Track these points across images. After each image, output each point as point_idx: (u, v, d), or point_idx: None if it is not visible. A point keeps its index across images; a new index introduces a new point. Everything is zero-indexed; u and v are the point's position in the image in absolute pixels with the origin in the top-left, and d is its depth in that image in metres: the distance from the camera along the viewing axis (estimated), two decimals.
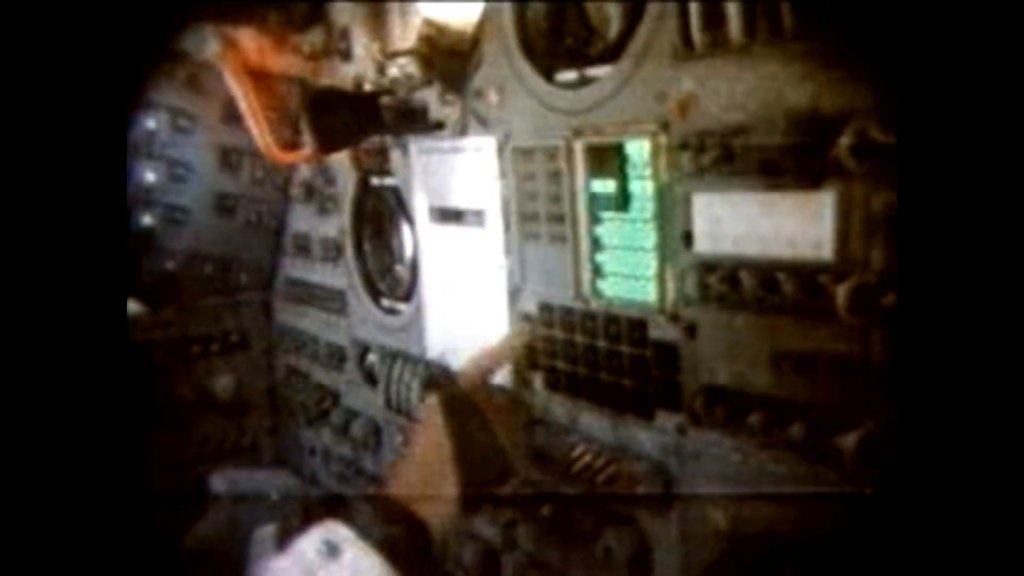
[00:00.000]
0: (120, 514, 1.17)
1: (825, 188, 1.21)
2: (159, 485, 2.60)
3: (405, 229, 2.39)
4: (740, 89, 1.33)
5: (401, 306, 2.44)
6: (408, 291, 2.40)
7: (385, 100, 2.12)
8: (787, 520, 1.34)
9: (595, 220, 1.66)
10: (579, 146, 1.65)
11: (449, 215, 2.12)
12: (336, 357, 2.81)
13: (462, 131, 1.99)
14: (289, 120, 2.35)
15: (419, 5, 1.95)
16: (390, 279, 2.53)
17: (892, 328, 1.16)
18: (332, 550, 1.46)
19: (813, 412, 1.28)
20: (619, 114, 1.56)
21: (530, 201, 1.81)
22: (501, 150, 1.87)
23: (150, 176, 2.84)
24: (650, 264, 1.55)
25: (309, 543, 1.49)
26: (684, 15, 1.40)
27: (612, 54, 1.57)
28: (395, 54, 2.08)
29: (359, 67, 2.30)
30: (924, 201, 0.95)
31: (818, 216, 1.23)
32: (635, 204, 1.56)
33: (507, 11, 1.80)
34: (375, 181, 2.48)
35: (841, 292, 1.19)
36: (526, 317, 1.87)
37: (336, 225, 2.67)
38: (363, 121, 2.10)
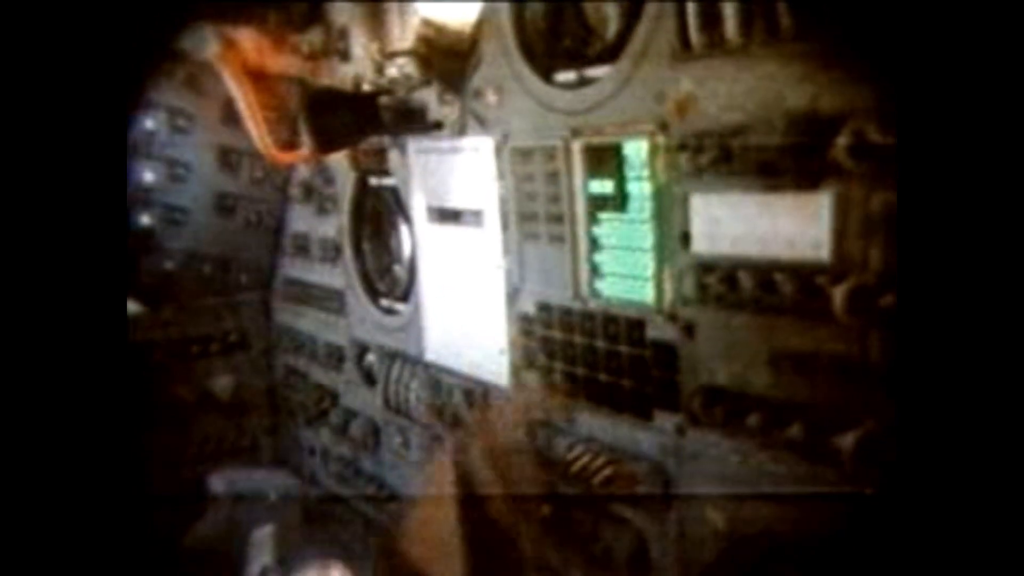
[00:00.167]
0: (119, 514, 1.17)
1: (823, 189, 1.22)
2: (158, 485, 2.60)
3: (403, 229, 2.39)
4: (738, 90, 1.33)
5: (399, 306, 2.44)
6: (406, 291, 2.40)
7: (384, 100, 2.12)
8: (785, 520, 1.34)
9: (593, 220, 1.66)
10: (577, 146, 1.65)
11: (447, 215, 2.12)
12: (335, 357, 2.81)
13: (461, 131, 1.99)
14: (288, 120, 2.35)
15: (417, 5, 1.95)
16: (388, 279, 2.53)
17: (890, 328, 1.16)
18: None
19: (811, 412, 1.28)
20: (617, 114, 1.56)
21: (528, 201, 1.81)
22: (499, 150, 1.87)
23: (149, 176, 2.84)
24: (648, 264, 1.55)
25: None
26: (682, 16, 1.41)
27: (610, 55, 1.57)
28: (394, 54, 2.08)
29: (358, 67, 2.30)
30: (923, 202, 0.95)
31: (816, 217, 1.23)
32: (633, 204, 1.56)
33: (505, 11, 1.80)
34: (374, 181, 2.48)
35: (839, 293, 1.19)
36: (525, 318, 1.88)
37: (335, 225, 2.67)
38: (362, 121, 2.10)
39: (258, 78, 2.28)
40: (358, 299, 2.61)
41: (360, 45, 2.27)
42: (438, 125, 2.05)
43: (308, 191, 2.79)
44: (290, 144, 2.33)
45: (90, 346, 1.14)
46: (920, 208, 0.95)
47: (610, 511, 1.66)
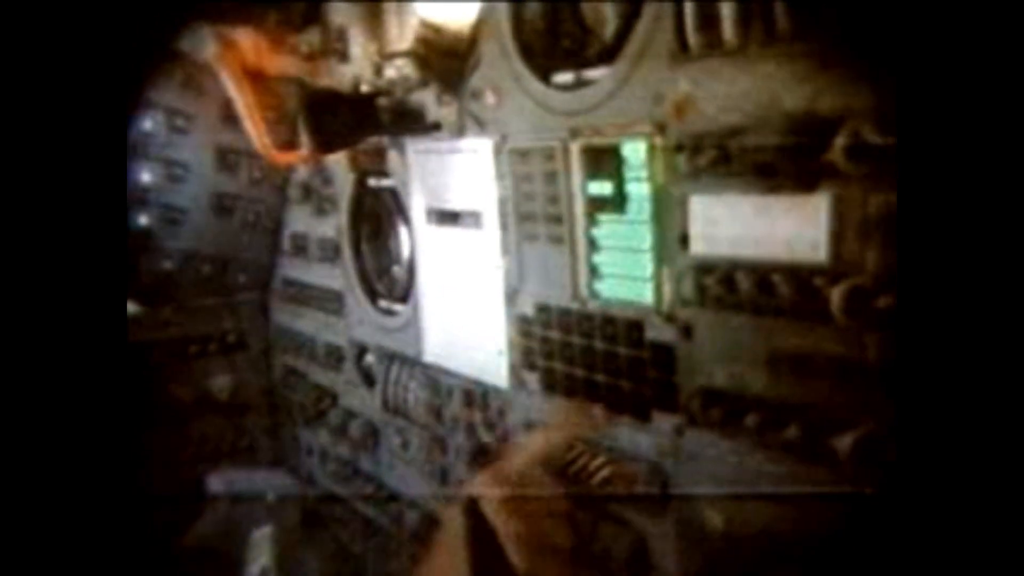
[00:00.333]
0: (118, 514, 1.17)
1: (820, 190, 1.22)
2: (157, 485, 2.61)
3: (402, 230, 2.39)
4: (736, 91, 1.33)
5: (398, 307, 2.45)
6: (405, 292, 2.40)
7: (382, 101, 2.12)
8: (783, 521, 1.35)
9: (592, 221, 1.66)
10: (576, 147, 1.66)
11: (446, 216, 2.12)
12: (334, 358, 2.81)
13: (459, 132, 1.99)
14: (287, 121, 2.35)
15: (416, 6, 1.95)
16: (387, 280, 2.53)
17: (887, 330, 1.16)
18: None
19: (809, 413, 1.28)
20: (616, 116, 1.56)
21: (527, 202, 1.81)
22: (498, 151, 1.87)
23: (147, 176, 2.84)
24: (646, 265, 1.55)
25: None
26: (679, 17, 1.41)
27: (608, 55, 1.58)
28: (392, 55, 2.08)
29: (357, 68, 2.30)
30: (923, 202, 0.95)
31: (813, 218, 1.23)
32: (632, 205, 1.56)
33: (503, 12, 1.80)
34: (372, 182, 2.49)
35: (836, 294, 1.19)
36: (524, 319, 1.88)
37: (334, 226, 2.67)
38: (360, 122, 2.10)
39: (257, 79, 2.29)
40: (357, 300, 2.62)
41: (358, 46, 2.27)
42: (436, 126, 2.05)
43: (307, 192, 2.79)
44: (289, 145, 2.33)
45: (89, 346, 1.14)
46: (919, 209, 0.95)
47: (609, 512, 1.66)
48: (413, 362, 2.37)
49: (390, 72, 2.08)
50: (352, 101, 2.18)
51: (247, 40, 2.31)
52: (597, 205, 1.64)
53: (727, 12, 1.33)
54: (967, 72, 0.92)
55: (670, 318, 1.51)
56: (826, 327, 1.23)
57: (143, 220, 2.89)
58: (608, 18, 1.60)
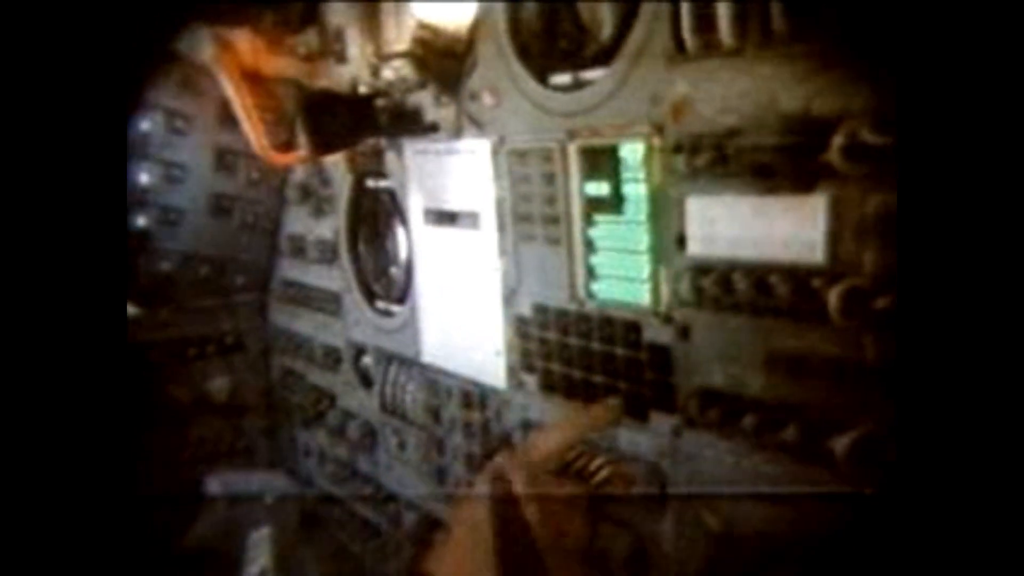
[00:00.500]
0: (117, 515, 1.17)
1: (818, 191, 1.22)
2: (155, 486, 2.60)
3: (400, 231, 2.40)
4: (733, 92, 1.33)
5: (396, 308, 2.45)
6: (403, 293, 2.40)
7: (380, 102, 2.12)
8: (781, 521, 1.35)
9: (589, 222, 1.66)
10: (573, 148, 1.66)
11: (444, 217, 2.12)
12: (332, 359, 2.81)
13: (457, 133, 1.99)
14: (285, 122, 2.36)
15: (413, 7, 1.96)
16: (385, 281, 2.53)
17: (885, 330, 1.17)
18: None
19: (807, 414, 1.28)
20: (613, 116, 1.56)
21: (525, 203, 1.81)
22: (496, 152, 1.88)
23: (145, 177, 2.84)
24: (644, 266, 1.55)
25: None
26: (676, 18, 1.41)
27: (606, 56, 1.58)
28: (390, 56, 2.08)
29: (354, 69, 2.30)
30: (922, 203, 0.95)
31: (811, 219, 1.23)
32: (629, 206, 1.56)
33: (501, 14, 1.80)
34: (370, 183, 2.49)
35: (834, 295, 1.19)
36: (522, 320, 1.88)
37: (332, 227, 2.67)
38: (358, 123, 2.10)
39: (255, 80, 2.29)
40: (355, 301, 2.62)
41: (356, 47, 2.27)
42: (434, 127, 2.05)
43: (305, 193, 2.79)
44: (287, 146, 2.33)
45: (88, 347, 1.14)
46: (918, 209, 0.96)
47: (607, 512, 1.67)
48: (411, 363, 2.37)
49: (388, 73, 2.09)
50: (350, 102, 2.18)
51: (245, 41, 2.31)
52: (594, 206, 1.64)
53: (724, 13, 1.33)
54: (966, 72, 0.92)
55: (668, 319, 1.52)
56: (824, 328, 1.23)
57: (141, 221, 2.88)
58: (605, 19, 1.61)
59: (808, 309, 1.24)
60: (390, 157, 2.30)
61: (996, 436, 0.90)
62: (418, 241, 2.26)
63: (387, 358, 2.49)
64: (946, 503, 0.91)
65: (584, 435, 1.56)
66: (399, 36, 2.09)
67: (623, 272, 1.60)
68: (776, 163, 1.25)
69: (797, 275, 1.26)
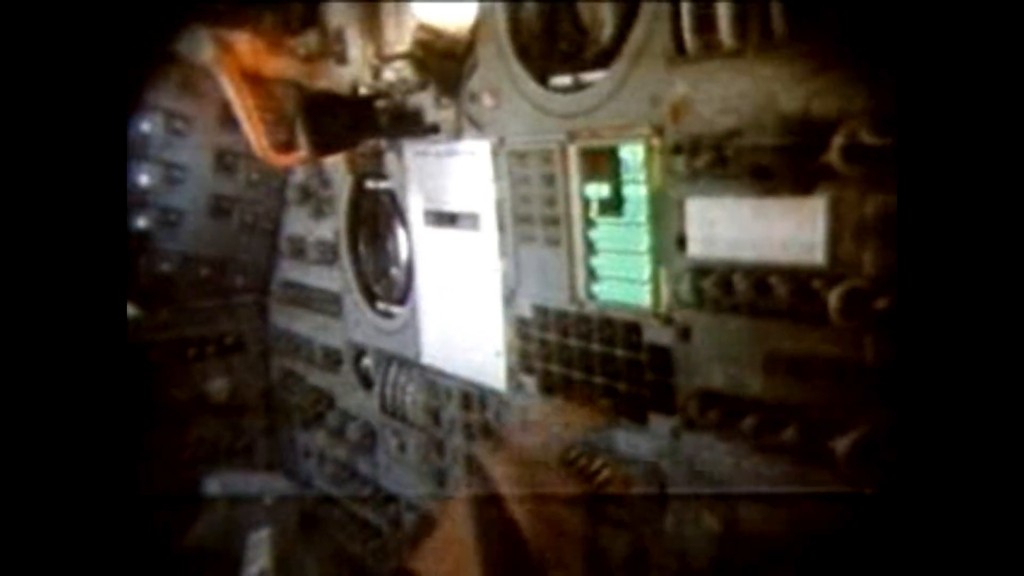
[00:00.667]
0: (117, 515, 1.17)
1: (818, 192, 1.22)
2: (155, 486, 2.60)
3: (400, 232, 2.39)
4: (733, 93, 1.33)
5: (396, 309, 2.45)
6: (403, 294, 2.40)
7: (380, 104, 2.12)
8: (781, 522, 1.35)
9: (589, 223, 1.66)
10: (573, 150, 1.66)
11: (444, 218, 2.12)
12: (332, 360, 2.81)
13: (457, 134, 1.99)
14: (285, 123, 2.36)
15: (414, 9, 1.96)
16: (385, 282, 2.53)
17: (884, 331, 1.17)
18: None
19: (807, 415, 1.28)
20: (613, 118, 1.56)
21: (524, 204, 1.81)
22: (496, 153, 1.87)
23: (145, 179, 2.84)
24: (644, 268, 1.55)
25: None
26: (676, 20, 1.41)
27: (606, 58, 1.58)
28: (390, 58, 2.08)
29: (355, 70, 2.30)
30: (922, 204, 0.95)
31: (811, 220, 1.23)
32: (629, 208, 1.56)
33: (501, 15, 1.80)
34: (370, 184, 2.49)
35: (834, 296, 1.19)
36: (522, 321, 1.88)
37: (332, 228, 2.67)
38: (358, 124, 2.10)
39: (255, 81, 2.29)
40: (355, 302, 2.61)
41: (357, 49, 2.27)
42: (434, 128, 2.05)
43: (305, 194, 2.79)
44: (287, 146, 2.33)
45: (89, 348, 1.14)
46: (918, 210, 0.96)
47: (607, 513, 1.66)
48: (411, 364, 2.37)
49: (388, 75, 2.09)
50: (350, 103, 2.19)
51: (245, 43, 2.31)
52: (595, 207, 1.64)
53: (724, 15, 1.33)
54: (965, 73, 0.92)
55: (668, 320, 1.51)
56: (824, 329, 1.23)
57: (141, 222, 2.89)
58: (605, 21, 1.61)
59: (808, 310, 1.24)
60: (390, 158, 2.30)
61: (995, 436, 0.90)
62: (418, 242, 2.26)
63: (387, 359, 2.49)
64: (946, 503, 0.91)
65: (568, 437, 1.58)
66: (399, 38, 2.09)
67: (623, 273, 1.60)
68: (776, 164, 1.25)
69: (797, 276, 1.26)
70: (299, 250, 2.92)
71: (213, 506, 2.74)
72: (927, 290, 0.94)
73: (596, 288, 1.67)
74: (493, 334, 1.97)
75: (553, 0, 1.71)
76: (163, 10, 2.11)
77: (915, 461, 0.94)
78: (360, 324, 2.61)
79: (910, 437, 0.95)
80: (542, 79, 1.74)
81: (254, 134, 2.30)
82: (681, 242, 1.45)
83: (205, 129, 2.85)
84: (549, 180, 1.72)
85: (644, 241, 1.54)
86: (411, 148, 2.19)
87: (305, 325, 2.97)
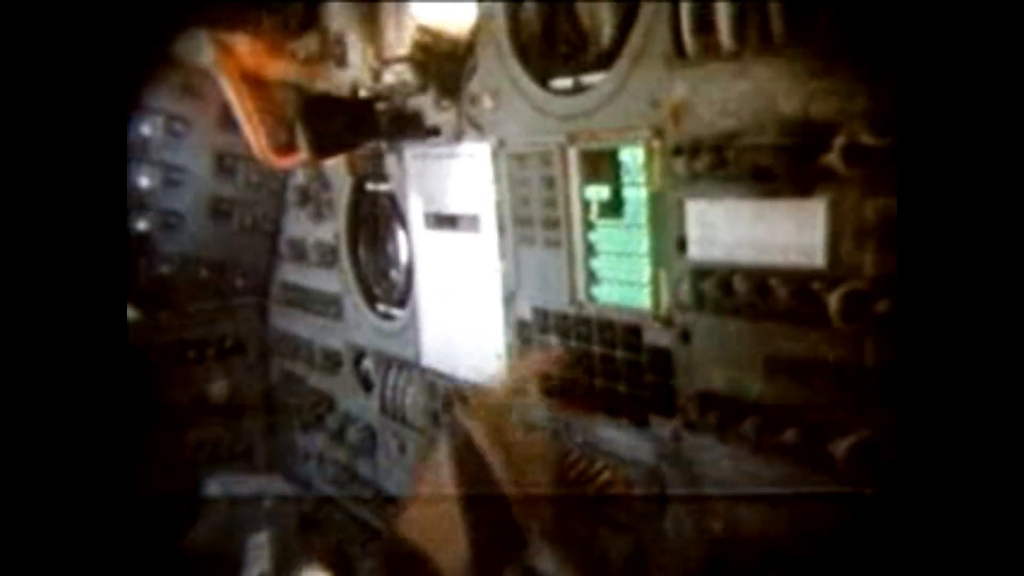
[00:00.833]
0: (116, 517, 1.17)
1: (818, 195, 1.22)
2: (155, 489, 2.60)
3: (400, 234, 2.40)
4: (733, 95, 1.33)
5: (396, 311, 2.45)
6: (403, 296, 2.40)
7: (380, 106, 2.12)
8: (781, 525, 1.35)
9: (589, 226, 1.66)
10: (573, 152, 1.66)
11: (444, 220, 2.12)
12: (332, 362, 2.81)
13: (457, 137, 1.99)
14: (284, 125, 2.36)
15: (414, 12, 1.96)
16: (385, 284, 2.53)
17: (885, 334, 1.17)
18: None
19: (807, 418, 1.28)
20: (613, 120, 1.56)
21: (524, 206, 1.81)
22: (496, 155, 1.88)
23: (145, 181, 2.85)
24: (644, 270, 1.55)
25: None
26: (676, 22, 1.41)
27: (605, 60, 1.58)
28: (391, 60, 2.08)
29: (355, 73, 2.30)
30: (922, 206, 0.95)
31: (811, 222, 1.23)
32: (629, 210, 1.57)
33: (501, 17, 1.81)
34: (370, 186, 2.49)
35: (834, 299, 1.19)
36: (522, 323, 1.88)
37: (332, 230, 2.67)
38: (358, 127, 2.10)
39: (255, 83, 2.29)
40: (355, 304, 2.62)
41: (357, 51, 2.28)
42: (435, 131, 2.05)
43: (305, 196, 2.79)
44: (287, 149, 2.33)
45: (88, 350, 1.15)
46: (918, 212, 0.96)
47: (607, 516, 1.67)
48: (411, 366, 2.37)
49: (389, 77, 2.09)
50: (349, 106, 2.19)
51: (245, 45, 2.31)
52: (595, 209, 1.64)
53: (723, 17, 1.33)
54: (965, 75, 0.92)
55: (668, 322, 1.52)
56: (824, 331, 1.23)
57: (141, 224, 2.89)
58: (605, 23, 1.61)
59: (808, 313, 1.24)
60: (390, 160, 2.30)
61: (996, 439, 0.90)
62: (418, 244, 2.26)
63: (387, 361, 2.49)
64: (946, 506, 0.91)
65: (526, 378, 1.69)
66: (399, 40, 2.09)
67: (623, 275, 1.60)
68: (776, 166, 1.26)
69: (797, 278, 1.26)
70: (299, 252, 2.92)
71: (213, 508, 2.74)
72: (927, 292, 0.94)
73: (596, 290, 1.67)
74: (493, 336, 1.97)
75: (552, 0, 1.72)
76: (163, 12, 2.11)
77: (915, 463, 0.94)
78: (360, 326, 2.61)
79: (910, 439, 0.95)
80: (542, 81, 1.74)
81: (254, 136, 2.31)
82: (681, 244, 1.46)
83: (205, 131, 2.85)
84: (549, 182, 1.72)
85: (644, 243, 1.54)
86: (411, 150, 2.19)
87: (305, 327, 2.97)
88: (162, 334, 3.04)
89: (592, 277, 1.68)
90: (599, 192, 1.62)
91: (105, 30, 1.18)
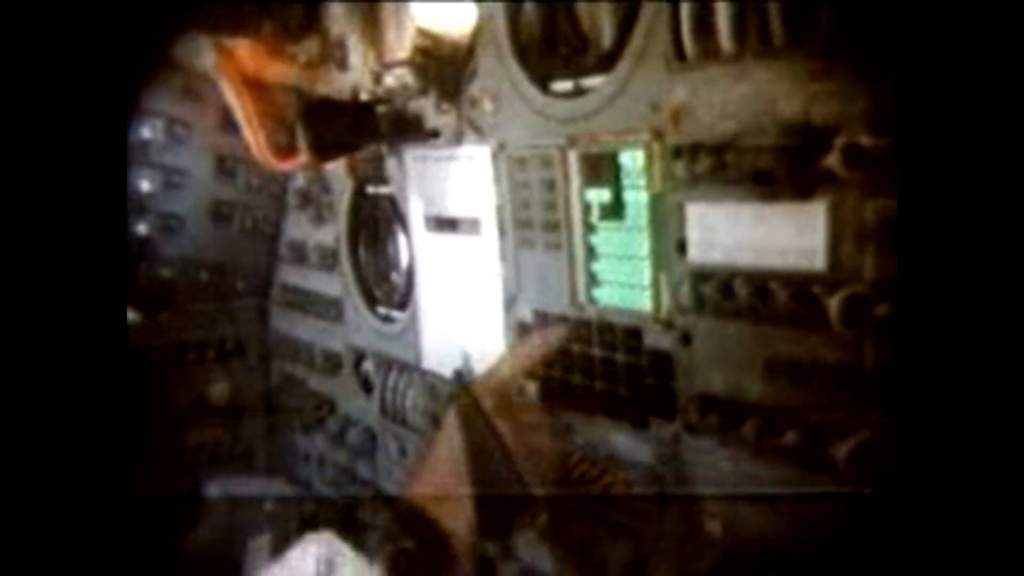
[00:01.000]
0: (116, 520, 1.17)
1: (818, 198, 1.22)
2: (155, 491, 2.60)
3: (400, 237, 2.40)
4: (733, 98, 1.33)
5: (397, 314, 2.45)
6: (403, 299, 2.40)
7: (381, 109, 2.13)
8: (781, 528, 1.35)
9: (590, 228, 1.66)
10: (573, 155, 1.66)
11: (444, 223, 2.12)
12: (332, 364, 2.81)
13: (458, 139, 1.99)
14: (285, 128, 2.36)
15: (414, 15, 1.96)
16: (386, 287, 2.53)
17: (885, 338, 1.17)
18: (330, 567, 1.43)
19: (807, 421, 1.28)
20: (613, 123, 1.56)
21: (525, 209, 1.81)
22: (496, 158, 1.88)
23: (145, 184, 2.85)
24: (644, 272, 1.55)
25: (305, 556, 1.46)
26: (676, 25, 1.41)
27: (606, 63, 1.58)
28: (391, 64, 2.08)
29: (356, 76, 2.30)
30: (922, 209, 0.96)
31: (811, 225, 1.23)
32: (629, 212, 1.57)
33: (501, 21, 1.81)
34: (371, 189, 2.49)
35: (834, 302, 1.19)
36: (522, 326, 1.88)
37: (332, 233, 2.67)
38: (358, 130, 2.11)
39: (256, 87, 2.29)
40: (355, 306, 2.62)
41: (357, 54, 2.28)
42: (435, 134, 2.05)
43: (305, 199, 2.79)
44: (287, 152, 2.33)
45: (89, 353, 1.15)
46: (919, 215, 0.96)
47: (607, 519, 1.67)
48: (411, 369, 2.37)
49: (389, 80, 2.09)
50: (350, 109, 2.19)
51: (246, 48, 2.31)
52: (595, 212, 1.64)
53: (723, 19, 1.33)
54: (966, 77, 0.92)
55: (668, 325, 1.52)
56: (824, 335, 1.23)
57: (142, 227, 2.89)
58: (605, 25, 1.61)
59: (808, 316, 1.24)
60: (391, 163, 2.30)
61: (997, 443, 0.90)
62: (419, 247, 2.26)
63: (387, 364, 2.49)
64: (947, 510, 0.91)
65: (530, 361, 1.70)
66: (400, 43, 2.09)
67: (624, 278, 1.60)
68: (776, 169, 1.26)
69: (797, 282, 1.26)
70: (300, 255, 2.92)
71: (213, 511, 2.74)
72: (928, 296, 0.94)
73: (596, 293, 1.67)
74: (494, 339, 1.97)
75: None
76: (163, 15, 2.11)
77: (915, 467, 0.94)
78: (360, 329, 2.61)
79: (910, 443, 0.95)
80: (542, 84, 1.74)
81: (254, 140, 2.31)
82: (681, 247, 1.46)
83: (206, 134, 2.85)
84: (549, 185, 1.72)
85: (644, 246, 1.54)
86: (411, 153, 2.19)
87: (305, 330, 2.97)
88: (162, 336, 3.04)
89: (593, 280, 1.68)
90: (599, 195, 1.62)
91: (106, 33, 1.19)
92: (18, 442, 1.09)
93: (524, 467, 1.51)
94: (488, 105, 1.87)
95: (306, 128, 2.03)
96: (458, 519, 1.48)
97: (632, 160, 1.53)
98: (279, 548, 1.54)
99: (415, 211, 2.24)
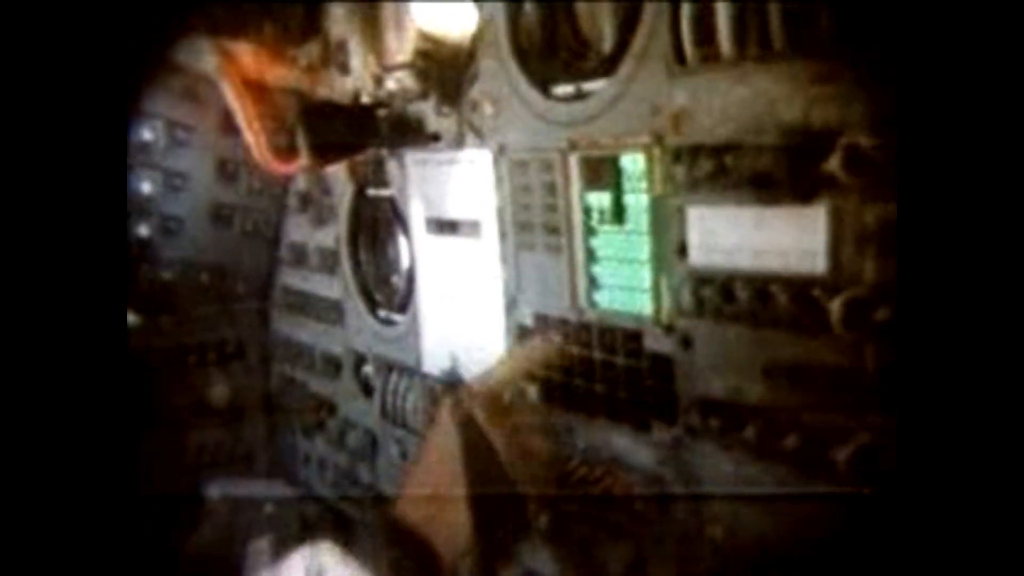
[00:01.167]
0: (116, 522, 1.17)
1: (818, 201, 1.22)
2: (155, 493, 2.60)
3: (401, 240, 2.40)
4: (733, 102, 1.34)
5: (397, 316, 2.45)
6: (404, 301, 2.40)
7: (382, 112, 2.13)
8: (781, 531, 1.35)
9: (590, 231, 1.66)
10: (574, 158, 1.66)
11: (445, 226, 2.12)
12: (332, 367, 2.81)
13: (458, 143, 1.99)
14: (286, 131, 2.36)
15: (415, 18, 1.96)
16: (386, 289, 2.53)
17: (885, 341, 1.17)
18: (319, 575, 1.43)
19: (807, 424, 1.28)
20: (614, 127, 1.56)
21: (525, 212, 1.81)
22: (497, 161, 1.88)
23: (146, 186, 2.85)
24: (645, 276, 1.55)
25: (296, 565, 1.46)
26: (676, 30, 1.42)
27: (606, 67, 1.58)
28: (392, 67, 2.09)
29: (357, 79, 2.30)
30: (922, 213, 0.96)
31: (811, 229, 1.24)
32: (630, 216, 1.57)
33: (502, 24, 1.81)
34: (371, 192, 2.49)
35: (835, 305, 1.20)
36: (523, 329, 1.88)
37: (333, 235, 2.67)
38: (359, 133, 2.11)
39: (256, 89, 2.29)
40: (356, 309, 2.62)
41: (358, 58, 2.28)
42: (436, 137, 2.05)
43: (306, 201, 2.79)
44: (288, 155, 2.33)
45: (89, 355, 1.15)
46: (919, 219, 0.96)
47: (607, 521, 1.66)
48: (412, 371, 2.37)
49: (390, 83, 2.09)
50: (351, 112, 2.19)
51: (247, 51, 2.32)
52: (595, 215, 1.64)
53: (723, 24, 1.33)
54: (966, 82, 0.92)
55: (669, 328, 1.52)
56: (824, 338, 1.23)
57: (142, 230, 2.89)
58: (606, 30, 1.61)
59: (809, 319, 1.24)
60: (391, 166, 2.30)
61: (997, 445, 0.90)
62: (419, 250, 2.26)
63: (388, 367, 2.49)
64: (947, 512, 0.91)
65: (526, 364, 1.72)
66: (401, 47, 2.09)
67: (624, 282, 1.60)
68: (776, 173, 1.26)
69: (798, 285, 1.26)
70: (300, 257, 2.92)
71: (213, 514, 2.73)
72: (928, 299, 0.95)
73: (597, 296, 1.67)
74: (494, 341, 1.97)
75: (553, 0, 1.72)
76: (164, 17, 2.12)
77: (916, 469, 0.94)
78: (361, 331, 2.61)
79: (911, 446, 0.95)
80: (543, 88, 1.74)
81: (255, 142, 2.31)
82: (682, 250, 1.46)
83: (206, 137, 2.85)
84: (550, 188, 1.72)
85: (645, 249, 1.54)
86: (412, 156, 2.19)
87: (306, 332, 2.97)
88: (163, 339, 3.04)
89: (593, 283, 1.68)
90: (600, 198, 1.62)
91: (107, 35, 1.19)
92: (20, 444, 1.09)
93: (515, 468, 1.52)
94: (489, 108, 1.87)
95: (307, 131, 2.03)
96: (450, 524, 1.49)
97: (632, 163, 1.54)
98: (279, 551, 1.54)
99: (416, 214, 2.24)
